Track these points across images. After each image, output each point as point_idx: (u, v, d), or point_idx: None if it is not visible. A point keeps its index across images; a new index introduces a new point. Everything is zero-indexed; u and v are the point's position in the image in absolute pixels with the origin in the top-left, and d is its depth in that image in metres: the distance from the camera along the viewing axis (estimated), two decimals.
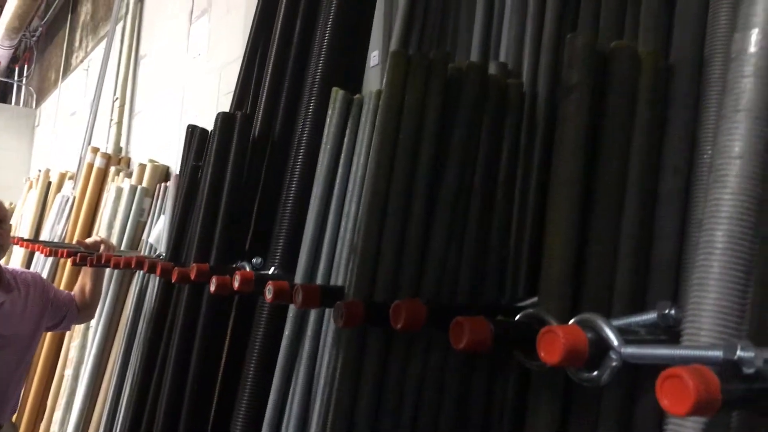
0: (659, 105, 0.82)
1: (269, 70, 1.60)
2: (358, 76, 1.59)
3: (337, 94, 1.18)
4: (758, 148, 0.54)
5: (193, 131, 1.73)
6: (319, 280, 1.12)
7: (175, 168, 3.21)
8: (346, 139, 1.16)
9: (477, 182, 0.97)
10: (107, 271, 2.50)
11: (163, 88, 3.57)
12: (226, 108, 2.76)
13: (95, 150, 3.81)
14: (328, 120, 1.19)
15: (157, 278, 1.74)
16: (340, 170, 1.15)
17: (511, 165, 1.01)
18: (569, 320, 0.67)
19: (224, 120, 1.50)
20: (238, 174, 1.46)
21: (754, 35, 0.55)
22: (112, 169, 3.63)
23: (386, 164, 0.94)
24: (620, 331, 0.59)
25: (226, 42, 2.86)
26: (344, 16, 1.46)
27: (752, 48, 0.55)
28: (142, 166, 3.26)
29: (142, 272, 2.41)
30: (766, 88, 0.54)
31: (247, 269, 1.33)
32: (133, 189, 3.08)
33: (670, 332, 0.61)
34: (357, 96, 1.18)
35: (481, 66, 0.99)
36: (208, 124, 2.86)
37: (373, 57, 1.81)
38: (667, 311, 0.61)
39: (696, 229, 0.77)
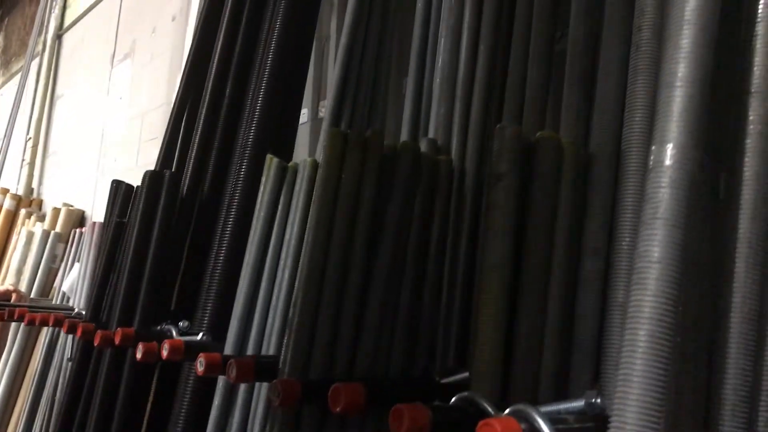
0: (580, 191, 0.88)
1: (199, 128, 1.60)
2: (290, 136, 1.62)
3: (271, 162, 1.20)
4: (675, 254, 0.59)
5: (117, 187, 1.70)
6: (249, 350, 1.12)
7: (91, 212, 3.12)
8: (279, 208, 1.17)
9: (410, 256, 1.00)
10: None
11: (81, 130, 3.48)
12: (148, 154, 2.72)
13: (5, 191, 3.65)
14: (262, 188, 1.20)
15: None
16: (273, 239, 1.15)
17: (441, 238, 1.05)
18: (501, 403, 0.71)
19: (152, 179, 1.49)
20: (164, 234, 1.45)
21: (669, 149, 0.61)
22: (23, 211, 3.49)
23: (323, 240, 0.96)
24: (551, 420, 0.63)
25: (149, 88, 2.82)
26: (277, 77, 1.48)
27: (668, 161, 0.60)
28: (56, 210, 3.15)
29: None
30: (682, 198, 0.60)
31: (174, 333, 1.31)
32: (46, 234, 2.97)
33: (597, 419, 0.65)
34: (291, 164, 1.20)
35: (414, 145, 1.03)
36: (129, 171, 2.81)
37: (303, 114, 1.84)
38: (593, 400, 0.65)
39: (616, 310, 0.82)
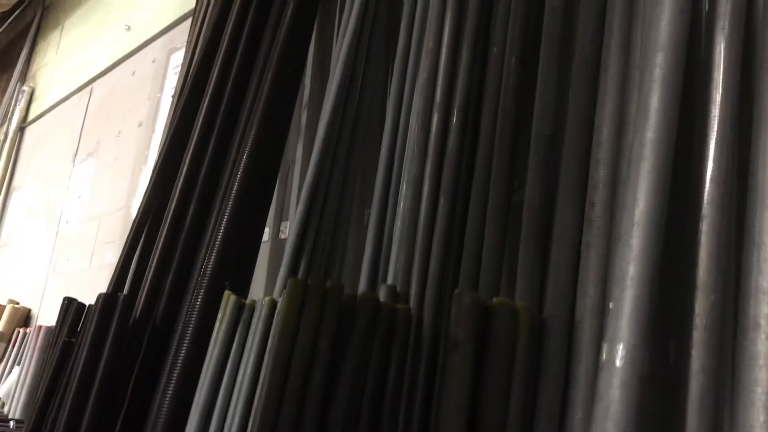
0: (534, 358, 0.89)
1: (158, 248, 1.59)
2: (251, 256, 1.61)
3: (228, 299, 1.19)
4: None
5: (69, 304, 1.66)
6: None
7: (38, 312, 3.02)
8: (234, 345, 1.16)
9: (365, 409, 0.99)
10: None
11: (36, 225, 3.42)
12: (103, 257, 2.68)
13: None
14: (217, 324, 1.19)
15: None
16: (225, 379, 1.13)
17: (396, 390, 1.04)
18: None
19: (105, 302, 1.46)
20: (114, 360, 1.41)
21: (620, 350, 0.63)
22: None
23: (276, 393, 0.95)
24: None
25: (110, 190, 2.82)
26: (242, 202, 1.50)
27: (618, 362, 0.62)
28: (1, 307, 3.05)
29: None
30: (632, 399, 0.61)
31: None
32: None
33: None
34: (249, 302, 1.20)
35: (373, 296, 1.04)
36: (81, 273, 2.75)
37: (264, 233, 1.85)
38: None
39: None
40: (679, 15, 0.75)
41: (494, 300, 0.90)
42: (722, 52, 0.82)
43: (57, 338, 1.65)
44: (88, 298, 2.44)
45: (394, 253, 1.20)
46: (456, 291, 0.88)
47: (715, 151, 0.77)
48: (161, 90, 2.66)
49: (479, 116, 1.19)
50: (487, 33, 1.27)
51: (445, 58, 1.28)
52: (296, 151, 1.91)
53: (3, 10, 4.20)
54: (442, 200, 1.18)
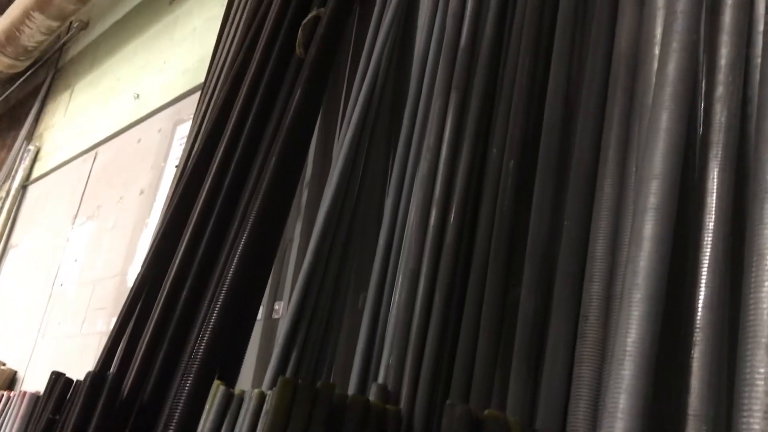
0: None
1: (151, 327, 1.58)
2: (245, 336, 1.60)
3: (217, 390, 1.18)
4: None
5: (56, 379, 1.64)
6: None
7: (24, 374, 2.98)
8: None
9: None
10: None
11: (29, 285, 3.40)
12: (94, 324, 2.66)
13: None
14: (205, 414, 1.17)
15: None
16: None
17: None
18: None
19: (93, 381, 1.44)
20: None
21: None
22: None
23: None
24: None
25: (107, 255, 2.82)
26: (238, 285, 1.49)
27: None
28: None
29: None
30: None
31: None
32: None
33: None
34: (238, 392, 1.18)
35: (363, 398, 1.03)
36: (71, 338, 2.73)
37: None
38: None
39: None
40: (673, 149, 0.78)
41: (486, 412, 0.89)
42: (715, 178, 0.84)
43: (41, 413, 1.62)
44: (76, 365, 2.41)
45: (387, 348, 1.20)
46: (447, 402, 0.88)
47: (707, 277, 0.78)
48: (165, 160, 2.70)
49: (477, 215, 1.21)
50: (488, 134, 1.30)
51: (445, 155, 1.31)
52: (295, 229, 1.92)
53: (16, 71, 4.30)
54: (437, 296, 1.18)
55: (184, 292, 1.60)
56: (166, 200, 2.29)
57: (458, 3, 1.49)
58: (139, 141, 2.94)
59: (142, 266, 1.87)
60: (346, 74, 1.92)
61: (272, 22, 1.98)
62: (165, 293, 1.64)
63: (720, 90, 0.89)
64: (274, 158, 1.65)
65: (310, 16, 1.83)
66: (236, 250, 1.55)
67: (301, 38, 1.80)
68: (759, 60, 0.90)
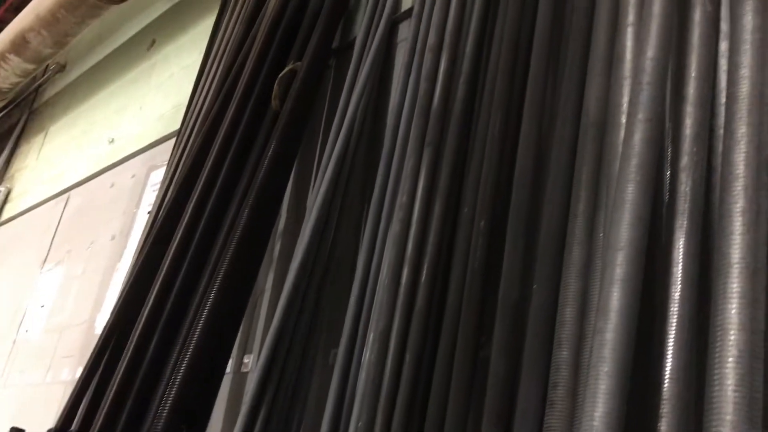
0: None
1: (117, 379, 1.54)
2: (213, 390, 1.57)
3: None
4: None
5: None
6: None
7: None
8: None
9: None
10: None
11: None
12: (60, 373, 2.59)
13: None
14: None
15: None
16: None
17: None
18: None
19: None
20: None
21: None
22: None
23: None
24: None
25: (75, 302, 2.76)
26: (206, 340, 1.47)
27: None
28: None
29: None
30: None
31: None
32: None
33: None
34: None
35: None
36: (35, 387, 2.65)
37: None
38: None
39: None
40: (638, 221, 0.79)
41: None
42: (681, 248, 0.85)
43: None
44: (41, 416, 2.34)
45: (356, 409, 1.18)
46: None
47: (674, 349, 0.78)
48: (138, 205, 2.67)
49: (449, 275, 1.21)
50: (460, 192, 1.31)
51: (417, 214, 1.31)
52: (267, 281, 1.90)
53: None
54: (407, 357, 1.17)
55: (153, 343, 1.57)
56: (137, 247, 2.27)
57: (432, 61, 1.51)
58: (112, 186, 2.92)
59: (111, 314, 1.84)
60: (322, 127, 1.93)
61: (249, 73, 1.99)
62: (133, 344, 1.61)
63: (685, 159, 0.91)
64: (246, 210, 1.65)
65: (286, 69, 1.85)
66: (206, 302, 1.53)
67: (277, 91, 1.82)
68: (721, 131, 0.92)
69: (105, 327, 1.81)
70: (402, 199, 1.36)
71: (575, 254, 0.97)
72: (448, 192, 1.30)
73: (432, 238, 1.27)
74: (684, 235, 0.85)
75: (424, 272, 1.24)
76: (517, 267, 1.08)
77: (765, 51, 0.87)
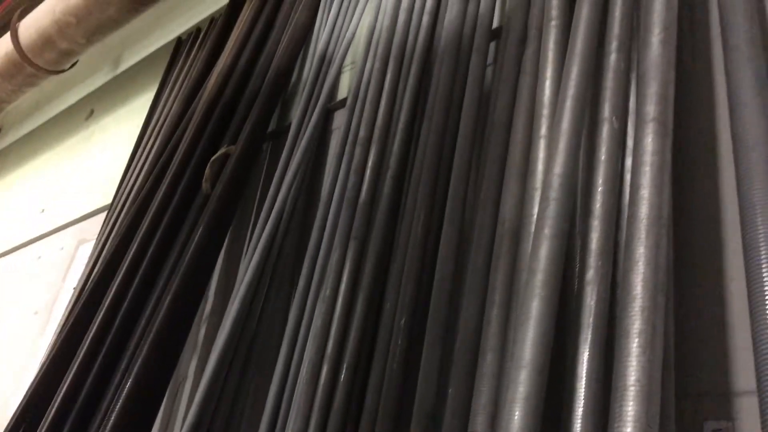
0: None
1: None
2: None
3: None
4: None
5: None
6: None
7: None
8: None
9: None
10: None
11: None
12: None
13: None
14: None
15: None
16: None
17: None
18: None
19: None
20: None
21: None
22: None
23: None
24: None
25: None
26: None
27: None
28: None
29: None
30: None
31: None
32: None
33: None
34: None
35: None
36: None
37: None
38: None
39: None
40: (542, 338, 0.80)
41: None
42: (585, 363, 0.86)
43: None
44: None
45: None
46: None
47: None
48: (64, 279, 2.59)
49: (368, 377, 1.20)
50: (384, 287, 1.31)
51: (340, 309, 1.30)
52: (189, 366, 1.85)
53: None
54: None
55: (66, 427, 1.50)
56: (59, 327, 2.18)
57: (361, 154, 1.53)
58: (39, 258, 2.83)
59: (26, 394, 1.76)
60: (254, 211, 1.93)
61: (183, 153, 1.99)
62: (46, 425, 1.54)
63: (590, 273, 0.93)
64: (170, 294, 1.61)
65: (219, 152, 1.85)
66: (124, 387, 1.48)
67: (208, 174, 1.81)
68: (623, 246, 0.96)
69: (19, 405, 1.73)
70: (326, 292, 1.36)
71: (488, 361, 0.98)
72: (371, 288, 1.30)
73: (353, 334, 1.26)
74: (588, 351, 0.87)
75: (343, 372, 1.22)
76: (433, 375, 1.07)
77: (664, 173, 0.91)
